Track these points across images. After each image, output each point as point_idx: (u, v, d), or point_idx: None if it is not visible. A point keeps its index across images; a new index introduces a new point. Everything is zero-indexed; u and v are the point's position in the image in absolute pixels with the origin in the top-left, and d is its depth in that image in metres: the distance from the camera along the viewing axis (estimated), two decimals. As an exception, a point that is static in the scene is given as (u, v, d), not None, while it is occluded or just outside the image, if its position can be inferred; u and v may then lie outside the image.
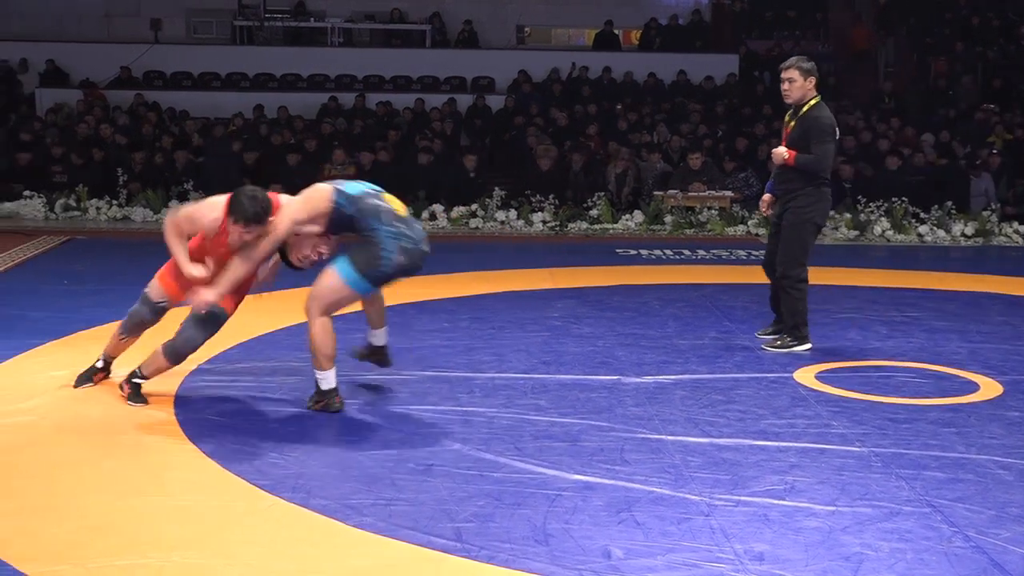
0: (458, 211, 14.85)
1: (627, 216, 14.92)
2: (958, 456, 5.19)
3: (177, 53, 21.57)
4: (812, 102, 7.57)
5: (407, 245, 5.79)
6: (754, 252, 12.36)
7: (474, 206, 14.94)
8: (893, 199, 14.51)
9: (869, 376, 6.80)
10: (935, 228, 14.20)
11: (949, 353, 7.46)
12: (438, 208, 14.84)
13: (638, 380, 6.59)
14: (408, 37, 23.27)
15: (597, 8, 23.42)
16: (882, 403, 6.16)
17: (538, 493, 4.64)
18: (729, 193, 15.08)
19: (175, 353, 5.99)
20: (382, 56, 21.93)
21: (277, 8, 23.08)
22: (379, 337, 6.41)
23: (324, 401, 5.90)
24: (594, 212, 14.90)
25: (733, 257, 12.12)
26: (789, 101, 7.63)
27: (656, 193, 15.36)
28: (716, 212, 14.78)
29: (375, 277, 5.83)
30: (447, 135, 18.03)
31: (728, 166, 15.96)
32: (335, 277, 5.80)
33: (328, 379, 5.89)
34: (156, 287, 6.15)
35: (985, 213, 14.52)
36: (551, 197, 15.03)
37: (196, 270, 5.91)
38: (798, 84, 7.56)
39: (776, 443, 5.38)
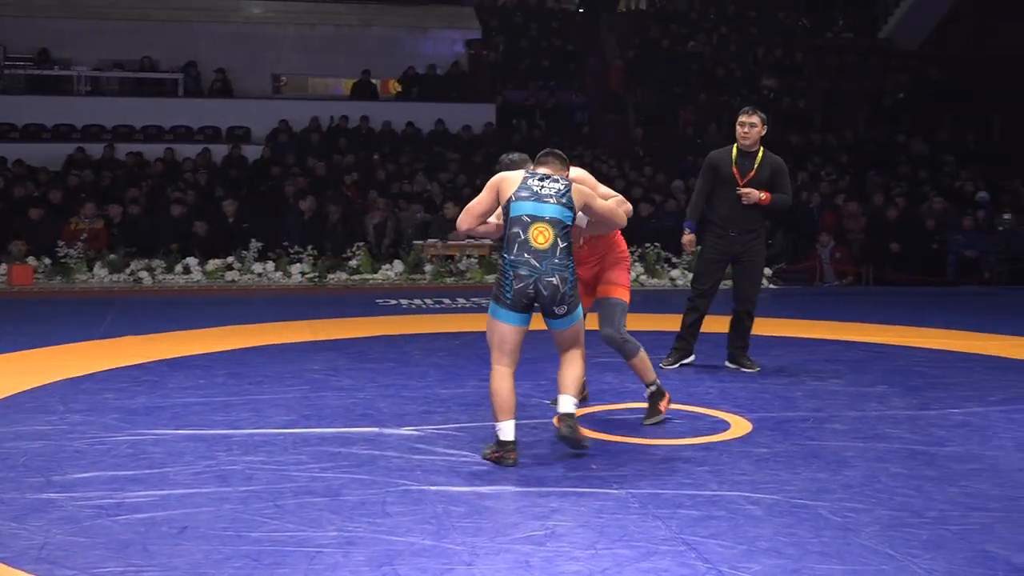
0: (214, 263, 14.52)
1: (387, 266, 14.92)
2: (711, 494, 5.32)
3: (-93, 102, 20.54)
4: (763, 148, 8.26)
5: (523, 272, 5.70)
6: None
7: (230, 258, 14.64)
8: (646, 244, 14.97)
9: (626, 418, 6.95)
10: (687, 272, 14.71)
11: (701, 393, 7.70)
12: (192, 261, 14.47)
13: (400, 431, 6.54)
14: (160, 86, 22.74)
15: (353, 57, 23.42)
16: (639, 444, 6.29)
17: (298, 551, 4.52)
18: (488, 241, 15.23)
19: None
20: (132, 105, 21.37)
21: (18, 55, 22.16)
22: (565, 403, 6.00)
23: (499, 453, 5.76)
24: (353, 262, 14.84)
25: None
26: (745, 143, 8.21)
27: (416, 242, 15.42)
28: (476, 260, 14.92)
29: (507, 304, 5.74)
30: (201, 186, 17.67)
31: (487, 214, 16.13)
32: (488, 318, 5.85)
33: (504, 430, 5.75)
34: None
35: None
36: (309, 248, 14.88)
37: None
38: (757, 130, 8.22)
39: (537, 488, 5.41)
